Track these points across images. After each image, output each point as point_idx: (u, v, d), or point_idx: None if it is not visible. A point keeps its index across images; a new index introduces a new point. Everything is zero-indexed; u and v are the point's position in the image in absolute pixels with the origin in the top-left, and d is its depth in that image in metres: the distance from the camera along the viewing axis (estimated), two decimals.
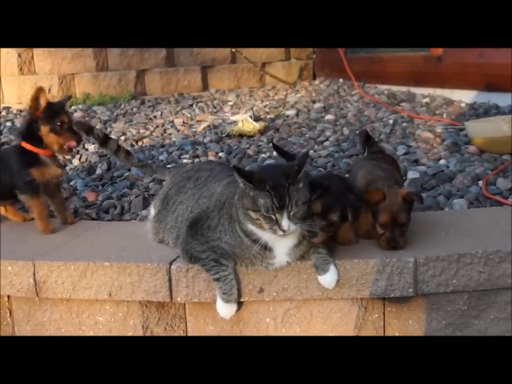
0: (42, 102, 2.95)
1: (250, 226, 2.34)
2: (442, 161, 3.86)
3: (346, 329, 2.56)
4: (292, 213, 2.25)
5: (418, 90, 6.15)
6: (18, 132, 3.15)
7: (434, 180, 3.50)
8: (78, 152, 4.59)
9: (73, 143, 3.03)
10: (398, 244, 2.53)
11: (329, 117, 5.42)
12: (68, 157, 3.63)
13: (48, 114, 2.96)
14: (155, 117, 5.92)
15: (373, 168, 2.80)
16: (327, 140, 4.61)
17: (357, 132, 4.67)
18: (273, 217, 2.25)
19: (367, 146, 3.14)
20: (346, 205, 2.43)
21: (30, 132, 3.01)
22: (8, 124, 5.85)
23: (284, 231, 2.25)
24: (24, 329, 2.81)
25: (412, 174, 3.56)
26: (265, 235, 2.32)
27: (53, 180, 3.06)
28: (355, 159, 3.83)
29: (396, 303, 2.54)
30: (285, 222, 2.24)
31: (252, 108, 5.99)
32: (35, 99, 2.96)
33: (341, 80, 7.11)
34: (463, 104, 5.46)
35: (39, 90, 2.97)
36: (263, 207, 2.25)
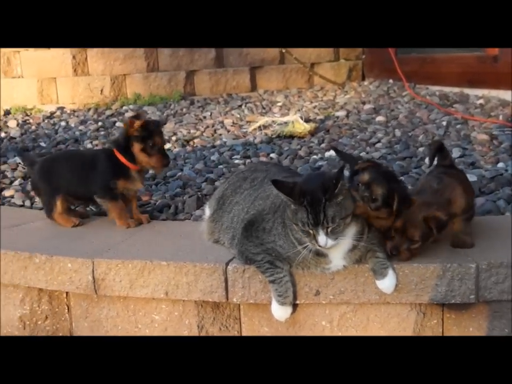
0: (139, 122, 3.01)
1: (298, 235, 2.34)
2: (500, 164, 3.78)
3: (404, 335, 2.53)
4: (329, 229, 2.24)
5: (471, 92, 6.05)
6: (114, 139, 3.24)
7: (493, 183, 3.42)
8: None
9: (159, 166, 3.11)
10: (398, 254, 2.44)
11: (380, 118, 5.37)
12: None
13: (143, 133, 3.02)
14: (205, 117, 5.95)
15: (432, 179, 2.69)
16: (379, 141, 4.57)
17: (427, 143, 4.42)
18: (311, 232, 2.26)
19: (438, 158, 2.88)
20: (394, 189, 2.37)
21: (124, 145, 3.06)
22: (63, 123, 5.95)
23: (320, 246, 2.26)
24: (82, 326, 2.86)
25: (469, 177, 3.49)
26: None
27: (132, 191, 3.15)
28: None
29: (456, 310, 2.50)
30: (321, 238, 2.24)
31: (301, 109, 5.97)
32: (133, 117, 3.06)
33: (390, 81, 7.03)
34: None
35: (140, 114, 3.12)
36: (300, 222, 2.26)
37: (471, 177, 3.48)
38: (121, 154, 3.06)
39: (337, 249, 2.36)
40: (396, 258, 2.45)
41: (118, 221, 3.09)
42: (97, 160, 3.11)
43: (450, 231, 2.58)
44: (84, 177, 3.12)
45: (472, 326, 2.51)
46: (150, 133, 3.03)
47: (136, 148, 3.03)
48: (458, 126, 4.89)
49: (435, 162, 2.85)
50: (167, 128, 5.43)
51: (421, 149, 4.23)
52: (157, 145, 3.05)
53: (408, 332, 2.53)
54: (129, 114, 6.10)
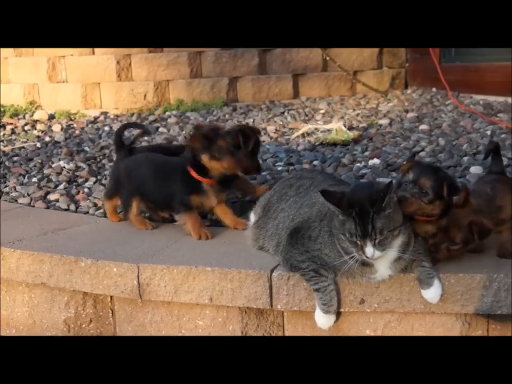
0: (195, 134, 3.05)
1: (345, 244, 2.34)
2: None
3: None
4: (377, 241, 2.24)
5: None
6: (187, 157, 3.19)
7: None
8: None
9: (232, 165, 3.06)
10: (437, 252, 2.46)
11: (423, 126, 5.33)
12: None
13: (204, 143, 3.02)
14: (247, 123, 5.97)
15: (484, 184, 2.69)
16: (422, 150, 4.53)
17: (472, 153, 4.38)
18: (358, 243, 2.26)
19: (492, 163, 2.88)
20: (442, 178, 2.39)
21: (194, 161, 3.06)
22: (106, 128, 6.03)
23: (367, 257, 2.26)
24: (126, 330, 2.89)
25: None
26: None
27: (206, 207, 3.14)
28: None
29: (501, 320, 2.48)
30: (368, 250, 2.25)
31: (343, 117, 5.96)
32: (192, 135, 3.09)
33: (434, 89, 6.98)
34: None
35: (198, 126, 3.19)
36: (347, 233, 2.26)
37: None
38: (194, 170, 3.05)
39: (384, 259, 2.36)
40: (434, 255, 2.45)
41: (193, 233, 3.06)
42: (175, 173, 3.13)
43: (498, 240, 2.57)
44: (160, 187, 3.15)
45: None
46: (211, 140, 3.02)
47: (205, 159, 3.02)
48: (503, 136, 4.82)
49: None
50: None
51: (465, 158, 4.18)
52: (223, 147, 3.02)
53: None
54: (172, 120, 6.16)
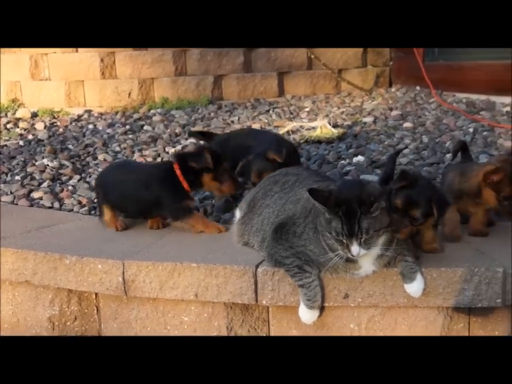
0: (208, 156, 3.04)
1: (331, 241, 2.36)
2: None
3: None
4: (362, 240, 2.26)
5: (498, 99, 6.01)
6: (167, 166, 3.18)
7: None
8: (159, 155, 4.70)
9: (231, 189, 3.19)
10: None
11: (407, 124, 5.36)
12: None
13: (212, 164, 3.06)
14: (232, 121, 5.98)
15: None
16: (406, 147, 4.56)
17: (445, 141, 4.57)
18: (344, 241, 2.27)
19: (462, 157, 3.06)
20: (431, 200, 2.41)
21: (189, 174, 3.07)
22: (90, 126, 6.02)
23: (353, 256, 2.27)
24: (111, 327, 2.89)
25: None
26: None
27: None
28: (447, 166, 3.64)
29: (482, 314, 2.51)
30: (354, 248, 2.26)
31: (328, 115, 5.98)
32: (200, 153, 3.10)
33: (418, 87, 7.02)
34: None
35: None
36: (333, 231, 2.27)
37: None
38: (186, 182, 3.07)
39: (368, 256, 2.37)
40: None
41: (207, 229, 3.08)
42: (154, 179, 3.11)
43: (471, 220, 2.81)
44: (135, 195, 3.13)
45: (497, 330, 2.53)
46: (218, 162, 3.07)
47: (207, 178, 3.08)
48: (485, 133, 4.87)
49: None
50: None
51: (448, 155, 4.22)
52: (226, 171, 3.12)
53: (435, 335, 2.53)
54: (157, 118, 6.16)
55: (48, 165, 4.56)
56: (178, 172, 3.06)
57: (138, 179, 3.13)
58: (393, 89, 7.29)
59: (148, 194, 3.06)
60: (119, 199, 3.15)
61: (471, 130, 4.96)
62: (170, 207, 3.06)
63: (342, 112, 6.10)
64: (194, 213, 3.12)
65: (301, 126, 5.29)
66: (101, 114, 6.66)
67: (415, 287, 2.42)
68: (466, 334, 2.55)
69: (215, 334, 2.72)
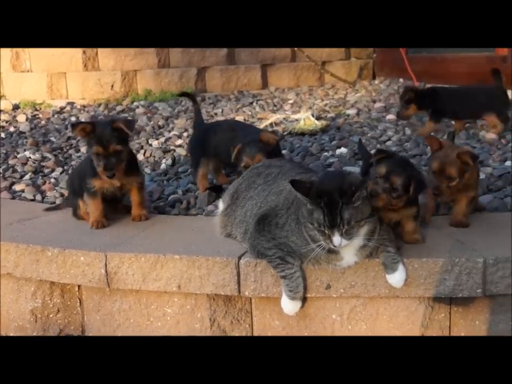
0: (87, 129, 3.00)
1: (313, 232, 2.37)
2: (508, 163, 3.80)
3: (413, 328, 2.56)
4: (344, 231, 2.27)
5: None
6: None
7: (501, 181, 3.45)
8: (142, 148, 4.68)
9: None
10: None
11: (390, 116, 5.38)
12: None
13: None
14: (216, 114, 5.98)
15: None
16: (389, 139, 4.58)
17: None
18: (326, 232, 2.28)
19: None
20: (411, 176, 2.43)
21: None
22: (73, 118, 5.99)
23: (335, 246, 2.28)
24: (94, 319, 2.89)
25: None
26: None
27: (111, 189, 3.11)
28: None
29: (463, 303, 2.53)
30: (336, 239, 2.27)
31: (312, 107, 5.99)
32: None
33: (401, 80, 7.05)
34: None
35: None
36: (315, 222, 2.28)
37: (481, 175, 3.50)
38: None
39: (350, 246, 2.38)
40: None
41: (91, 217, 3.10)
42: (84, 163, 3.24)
43: (453, 209, 2.86)
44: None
45: (478, 320, 2.55)
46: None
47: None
48: (467, 125, 4.90)
49: None
50: (179, 125, 5.46)
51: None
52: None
53: (417, 325, 2.56)
54: (140, 110, 6.14)
55: (30, 158, 4.54)
56: None
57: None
58: (376, 82, 7.33)
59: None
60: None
61: (453, 122, 4.98)
62: (83, 183, 3.09)
63: (326, 104, 6.12)
64: (94, 200, 3.07)
65: (284, 118, 5.30)
66: (84, 106, 6.64)
67: (396, 278, 2.44)
68: (448, 324, 2.56)
69: (198, 325, 2.72)
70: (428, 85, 6.63)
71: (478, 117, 4.86)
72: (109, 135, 2.95)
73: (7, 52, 6.98)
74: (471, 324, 2.55)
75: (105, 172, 2.96)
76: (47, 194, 3.74)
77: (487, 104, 4.67)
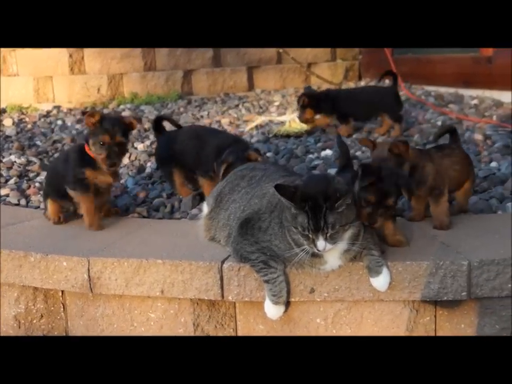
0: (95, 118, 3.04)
1: (297, 236, 2.36)
2: (493, 164, 3.81)
3: (398, 332, 2.55)
4: (328, 235, 2.25)
5: (466, 92, 6.08)
6: (85, 135, 3.27)
7: (486, 182, 3.46)
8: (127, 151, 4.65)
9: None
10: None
11: None
12: None
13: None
14: (202, 116, 5.97)
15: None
16: (375, 140, 4.58)
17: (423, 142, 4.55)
18: (310, 236, 2.27)
19: (449, 141, 3.04)
20: (399, 185, 2.43)
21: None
22: (59, 122, 5.96)
23: (319, 250, 2.27)
24: (77, 324, 2.87)
25: None
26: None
27: (103, 185, 3.15)
28: None
29: (448, 307, 2.52)
30: (320, 243, 2.26)
31: (298, 109, 5.97)
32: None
33: (387, 81, 7.04)
34: None
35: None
36: (299, 226, 2.27)
37: None
38: (89, 147, 3.08)
39: (334, 250, 2.37)
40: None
41: (87, 218, 3.11)
42: (69, 155, 3.19)
43: (434, 212, 2.83)
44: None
45: (463, 323, 2.53)
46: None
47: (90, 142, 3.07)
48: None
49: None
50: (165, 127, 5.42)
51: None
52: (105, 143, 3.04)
53: (402, 329, 2.54)
54: (126, 113, 6.11)
55: (15, 162, 4.51)
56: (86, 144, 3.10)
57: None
58: (362, 83, 7.32)
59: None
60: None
61: (439, 123, 5.01)
62: (71, 175, 3.09)
63: None
64: (87, 194, 3.09)
65: (270, 120, 5.30)
66: (70, 110, 6.62)
67: (381, 281, 2.42)
68: (433, 327, 2.55)
69: (181, 330, 2.70)
70: (414, 86, 6.67)
71: (373, 117, 5.06)
72: (116, 126, 3.04)
73: None
74: (456, 327, 2.54)
75: (107, 160, 3.02)
76: (31, 199, 3.71)
77: (380, 104, 4.87)
